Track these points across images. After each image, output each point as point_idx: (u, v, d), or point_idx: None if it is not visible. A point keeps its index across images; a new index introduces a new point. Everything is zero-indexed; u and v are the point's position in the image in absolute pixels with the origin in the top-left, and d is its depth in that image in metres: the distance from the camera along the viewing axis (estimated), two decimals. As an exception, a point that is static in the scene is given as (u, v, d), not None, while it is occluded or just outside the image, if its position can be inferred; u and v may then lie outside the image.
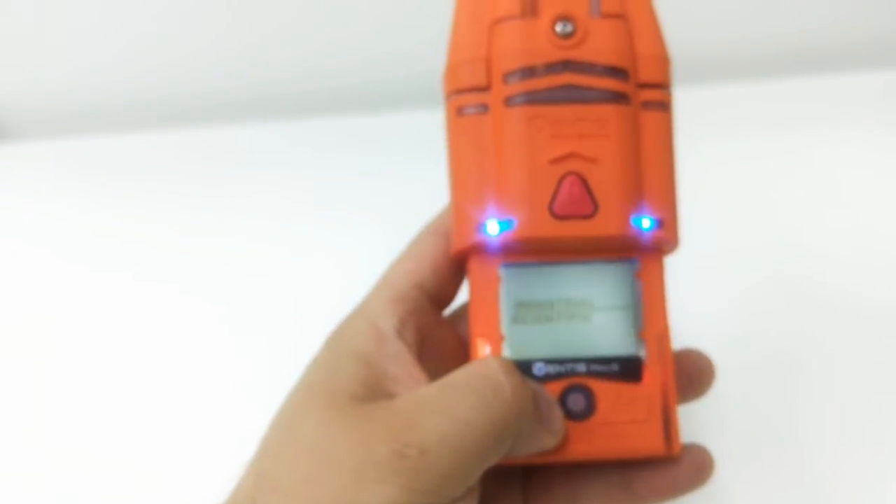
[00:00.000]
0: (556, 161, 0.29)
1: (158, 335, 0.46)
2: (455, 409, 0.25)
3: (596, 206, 0.29)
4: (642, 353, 0.30)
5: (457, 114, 0.30)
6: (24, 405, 0.44)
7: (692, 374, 0.33)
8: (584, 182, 0.29)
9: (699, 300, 0.45)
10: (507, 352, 0.30)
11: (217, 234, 0.50)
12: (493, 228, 0.29)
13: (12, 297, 0.48)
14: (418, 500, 0.24)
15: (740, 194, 0.49)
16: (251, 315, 0.47)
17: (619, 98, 0.29)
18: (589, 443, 0.29)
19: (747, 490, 0.40)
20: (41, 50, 0.55)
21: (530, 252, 0.30)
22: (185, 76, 0.56)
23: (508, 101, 0.29)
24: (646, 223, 0.29)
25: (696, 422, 0.40)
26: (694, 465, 0.30)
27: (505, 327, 0.30)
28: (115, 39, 0.54)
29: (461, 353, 0.31)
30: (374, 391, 0.28)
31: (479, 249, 0.30)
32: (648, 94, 0.30)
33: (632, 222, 0.29)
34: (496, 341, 0.30)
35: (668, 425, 0.29)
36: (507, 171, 0.29)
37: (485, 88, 0.30)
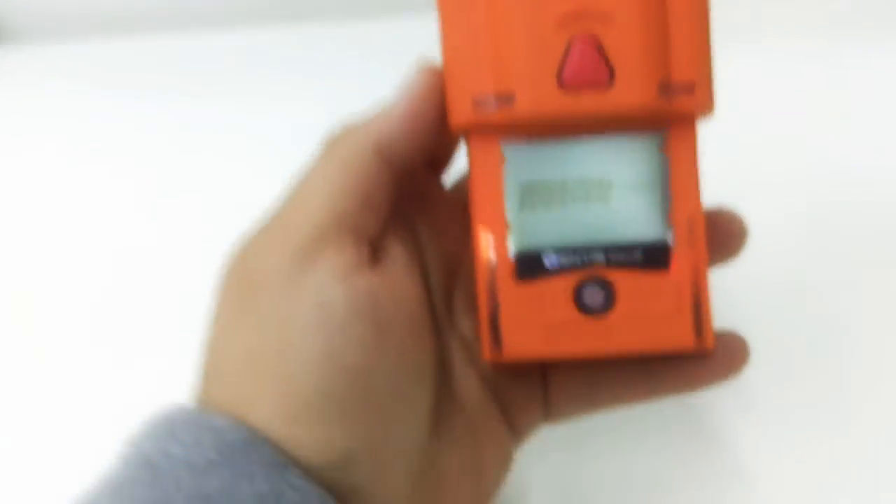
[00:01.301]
0: (563, 22, 0.24)
1: (164, 240, 0.43)
2: None
3: (613, 74, 0.24)
4: (669, 238, 0.26)
5: None
6: (26, 331, 0.42)
7: (723, 236, 0.28)
8: (598, 45, 0.24)
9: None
10: (512, 241, 0.26)
11: (227, 138, 0.47)
12: (490, 105, 0.25)
13: (13, 201, 0.46)
14: None
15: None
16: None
17: None
18: (609, 340, 0.26)
19: (776, 394, 0.36)
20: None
21: (537, 129, 0.26)
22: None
23: None
24: (675, 87, 0.24)
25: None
26: (727, 356, 0.27)
27: (511, 213, 0.26)
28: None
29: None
30: None
31: (476, 127, 0.26)
32: None
33: (657, 89, 0.24)
34: (500, 229, 0.26)
35: (700, 318, 0.26)
36: (504, 36, 0.24)
37: None
